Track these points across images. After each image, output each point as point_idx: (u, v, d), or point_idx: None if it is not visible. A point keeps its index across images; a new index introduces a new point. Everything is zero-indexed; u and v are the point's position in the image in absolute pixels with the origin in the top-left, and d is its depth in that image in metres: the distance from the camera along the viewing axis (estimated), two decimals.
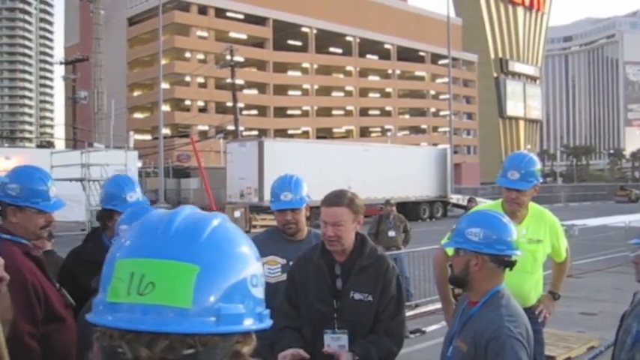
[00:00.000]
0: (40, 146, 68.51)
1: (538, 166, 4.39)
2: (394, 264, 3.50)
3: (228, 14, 71.06)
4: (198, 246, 0.98)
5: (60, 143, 74.77)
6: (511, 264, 2.81)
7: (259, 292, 1.03)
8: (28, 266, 2.91)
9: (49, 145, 73.36)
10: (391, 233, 11.79)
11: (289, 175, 4.16)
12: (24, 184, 3.00)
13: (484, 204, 5.36)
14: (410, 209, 34.71)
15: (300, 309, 3.36)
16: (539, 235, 4.41)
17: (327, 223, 3.26)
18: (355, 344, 3.20)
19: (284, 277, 3.85)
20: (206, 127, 66.83)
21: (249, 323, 0.99)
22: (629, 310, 3.25)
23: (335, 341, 3.24)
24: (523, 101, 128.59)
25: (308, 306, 3.31)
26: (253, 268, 1.03)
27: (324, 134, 77.57)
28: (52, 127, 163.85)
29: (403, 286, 11.23)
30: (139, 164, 40.16)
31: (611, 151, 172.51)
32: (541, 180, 4.41)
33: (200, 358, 0.95)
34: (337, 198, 3.29)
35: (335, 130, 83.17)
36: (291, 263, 3.90)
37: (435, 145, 65.13)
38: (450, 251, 3.52)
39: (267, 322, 1.03)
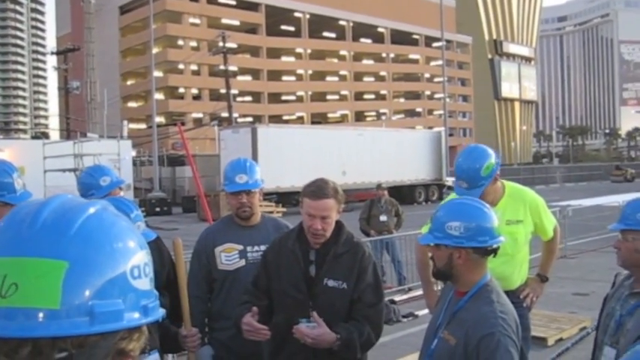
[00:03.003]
0: (34, 137, 68.24)
1: (478, 164, 4.07)
2: (370, 251, 3.44)
3: (220, 0, 70.69)
4: (66, 240, 0.90)
5: (55, 134, 74.50)
6: (494, 251, 2.73)
7: (143, 284, 0.95)
8: None
9: (44, 136, 73.07)
10: (383, 217, 11.71)
11: (243, 158, 4.08)
12: None
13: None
14: (405, 193, 34.71)
15: (274, 296, 3.30)
16: (518, 216, 4.26)
17: (314, 217, 3.17)
18: (339, 327, 3.11)
19: (242, 262, 3.83)
20: (200, 115, 66.65)
21: (132, 318, 0.92)
22: (611, 293, 3.20)
23: (310, 330, 3.20)
24: (518, 82, 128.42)
25: (282, 293, 3.25)
26: (135, 259, 0.95)
27: (319, 119, 77.47)
28: (46, 117, 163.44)
29: (396, 270, 11.11)
30: (134, 153, 40.00)
31: (607, 131, 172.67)
32: (493, 172, 4.10)
33: None
34: (323, 190, 3.19)
35: (330, 115, 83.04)
36: (248, 248, 3.87)
37: (430, 128, 65.02)
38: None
39: (156, 315, 0.97)
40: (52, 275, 0.87)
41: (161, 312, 0.99)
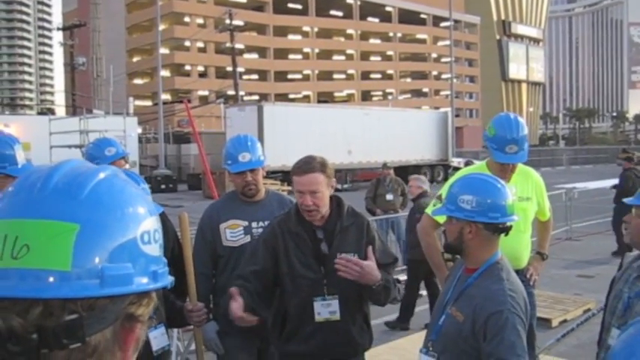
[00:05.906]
0: (40, 113, 68.25)
1: (526, 128, 4.25)
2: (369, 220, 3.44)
3: None
4: (77, 203, 0.89)
5: (60, 110, 74.54)
6: (506, 230, 2.71)
7: (153, 250, 0.95)
8: None
9: (50, 112, 73.05)
10: (389, 196, 11.78)
11: (243, 135, 4.03)
12: None
13: (471, 166, 5.22)
14: (411, 173, 34.42)
15: (284, 280, 3.26)
16: (528, 193, 4.37)
17: (303, 193, 3.14)
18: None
19: (247, 238, 3.81)
20: (206, 92, 66.55)
21: (141, 282, 0.92)
22: (619, 275, 3.17)
23: (325, 308, 3.17)
24: (526, 64, 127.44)
25: (296, 276, 3.22)
26: (145, 224, 0.94)
27: (326, 98, 77.21)
28: (52, 94, 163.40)
29: (401, 249, 11.12)
30: (139, 130, 40.04)
31: (614, 114, 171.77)
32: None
33: (85, 323, 0.86)
34: (308, 164, 3.16)
35: (336, 94, 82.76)
36: (253, 224, 3.85)
37: (436, 108, 64.74)
38: (441, 218, 3.42)
39: (164, 281, 0.96)
40: (63, 237, 0.86)
41: (170, 279, 0.98)
